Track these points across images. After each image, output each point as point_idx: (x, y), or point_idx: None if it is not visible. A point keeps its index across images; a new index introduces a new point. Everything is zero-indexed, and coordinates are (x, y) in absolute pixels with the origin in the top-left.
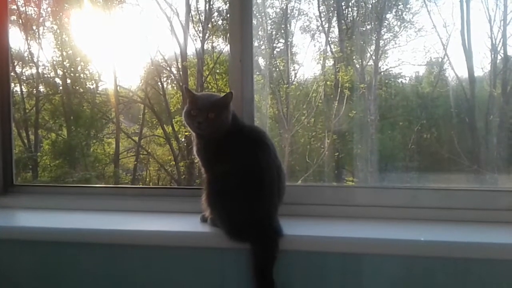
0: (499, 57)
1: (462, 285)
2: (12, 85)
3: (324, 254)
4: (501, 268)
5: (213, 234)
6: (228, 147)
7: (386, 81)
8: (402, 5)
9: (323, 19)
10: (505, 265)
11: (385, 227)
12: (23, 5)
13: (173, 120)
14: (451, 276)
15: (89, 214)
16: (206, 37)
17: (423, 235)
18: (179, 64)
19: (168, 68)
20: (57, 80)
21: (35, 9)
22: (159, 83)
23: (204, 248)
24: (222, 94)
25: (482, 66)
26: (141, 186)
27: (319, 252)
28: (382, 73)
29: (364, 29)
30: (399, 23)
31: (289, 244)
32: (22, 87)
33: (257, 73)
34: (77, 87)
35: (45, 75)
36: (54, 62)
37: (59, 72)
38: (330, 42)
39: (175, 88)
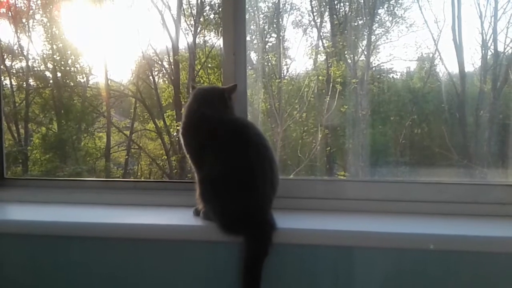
0: (489, 53)
1: (453, 278)
2: (2, 78)
3: (316, 247)
4: (492, 261)
5: (206, 227)
6: (219, 140)
7: (378, 76)
8: (394, 0)
9: (315, 13)
10: (496, 258)
11: (377, 221)
12: None
13: (164, 114)
14: (443, 269)
15: (81, 208)
16: (198, 31)
17: (414, 229)
18: (170, 58)
19: (160, 62)
20: (47, 74)
21: (25, 1)
22: (151, 77)
23: (197, 241)
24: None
25: (473, 62)
26: (133, 179)
27: (311, 245)
28: (373, 68)
29: (356, 24)
30: (390, 18)
31: (281, 237)
32: (12, 80)
33: (249, 67)
34: (67, 81)
35: (35, 69)
36: (44, 56)
37: (49, 65)
38: (322, 37)
39: (166, 82)
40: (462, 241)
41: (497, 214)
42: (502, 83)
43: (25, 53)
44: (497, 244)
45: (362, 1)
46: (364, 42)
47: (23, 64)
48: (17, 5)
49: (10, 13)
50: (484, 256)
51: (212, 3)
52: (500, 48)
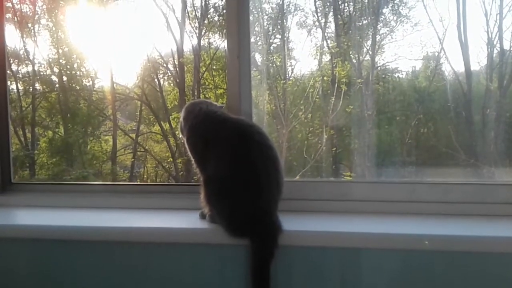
0: (495, 51)
1: (461, 278)
2: (8, 83)
3: (323, 249)
4: (500, 261)
5: (212, 230)
6: (222, 140)
7: (383, 76)
8: (398, 0)
9: (319, 14)
10: (504, 258)
11: (383, 222)
12: (18, 2)
13: (170, 117)
14: (450, 269)
15: (88, 212)
16: (203, 33)
17: (421, 229)
18: (175, 60)
19: (165, 65)
20: (53, 78)
21: (30, 6)
22: (156, 80)
23: (203, 244)
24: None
25: (479, 60)
26: (139, 183)
27: (318, 247)
28: (379, 68)
29: (360, 24)
30: (395, 17)
31: (288, 239)
32: (18, 85)
33: (254, 69)
34: (73, 85)
35: (41, 73)
36: (50, 60)
37: (55, 69)
38: (327, 37)
39: (171, 84)
40: (470, 242)
41: (505, 214)
42: (508, 81)
43: (31, 58)
44: (505, 244)
45: (366, 1)
46: (369, 42)
47: (29, 68)
48: (22, 10)
49: (16, 18)
50: (492, 257)
51: (216, 5)
52: (506, 46)
